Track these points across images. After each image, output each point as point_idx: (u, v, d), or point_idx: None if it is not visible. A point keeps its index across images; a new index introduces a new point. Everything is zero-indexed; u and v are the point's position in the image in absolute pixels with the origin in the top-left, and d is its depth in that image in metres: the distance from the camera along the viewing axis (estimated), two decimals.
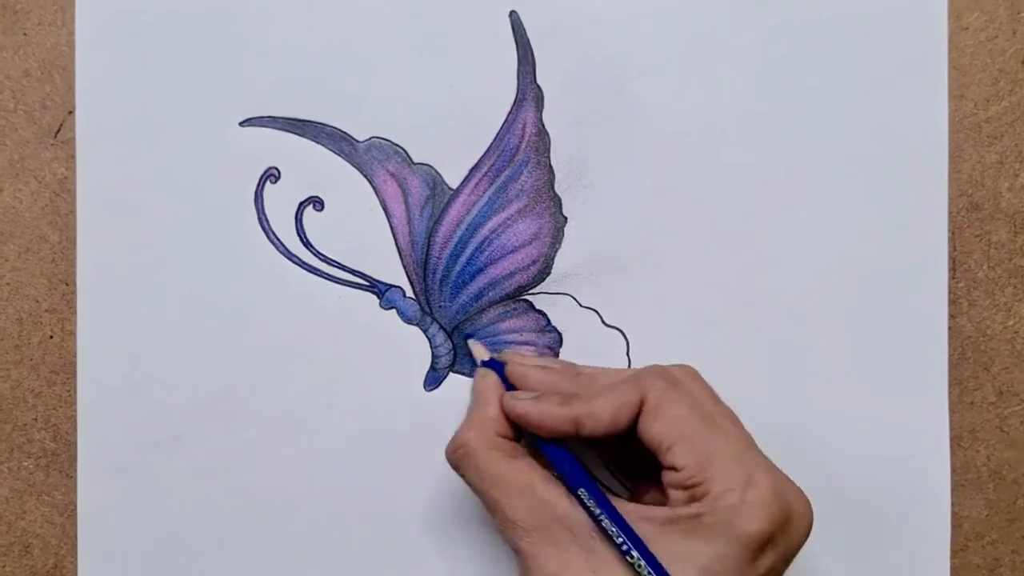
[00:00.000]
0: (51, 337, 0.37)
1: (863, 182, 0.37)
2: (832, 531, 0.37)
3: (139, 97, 0.37)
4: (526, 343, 0.37)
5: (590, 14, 0.37)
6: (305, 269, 0.37)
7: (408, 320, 0.37)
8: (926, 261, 0.37)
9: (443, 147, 0.37)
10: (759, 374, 0.37)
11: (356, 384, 0.37)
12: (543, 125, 0.37)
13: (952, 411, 0.38)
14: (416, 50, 0.37)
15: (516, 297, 0.37)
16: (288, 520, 0.37)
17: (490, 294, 0.37)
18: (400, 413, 0.37)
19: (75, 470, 0.37)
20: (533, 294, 0.37)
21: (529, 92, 0.37)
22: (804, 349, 0.37)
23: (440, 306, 0.37)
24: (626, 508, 0.30)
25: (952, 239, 0.38)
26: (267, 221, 0.37)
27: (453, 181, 0.37)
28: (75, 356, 0.37)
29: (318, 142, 0.37)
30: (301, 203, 0.37)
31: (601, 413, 0.30)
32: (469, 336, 0.37)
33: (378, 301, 0.37)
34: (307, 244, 0.37)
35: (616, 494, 0.34)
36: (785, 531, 0.29)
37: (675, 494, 0.30)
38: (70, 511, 0.37)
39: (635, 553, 0.28)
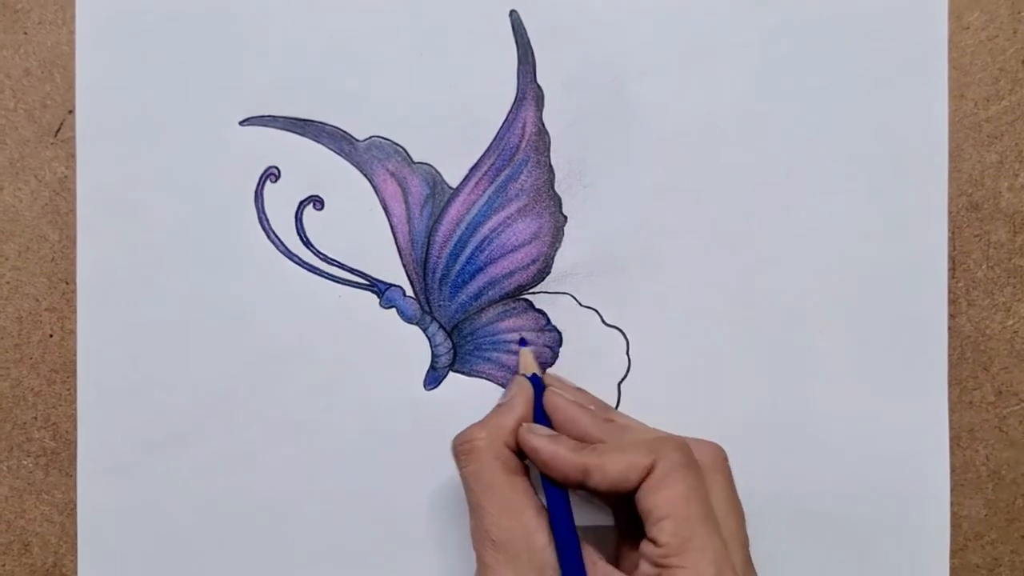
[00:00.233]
0: (51, 336, 0.37)
1: (863, 182, 0.37)
2: (832, 531, 0.37)
3: (139, 97, 0.37)
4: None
5: (590, 14, 0.37)
6: (305, 269, 0.37)
7: (408, 319, 0.37)
8: (926, 261, 0.37)
9: (443, 147, 0.37)
10: (759, 374, 0.37)
11: (356, 384, 0.37)
12: (543, 125, 0.37)
13: (952, 411, 0.38)
14: (416, 50, 0.37)
15: (516, 296, 0.37)
16: (288, 520, 0.37)
17: (490, 293, 0.37)
18: (400, 413, 0.37)
19: (75, 469, 0.37)
20: (533, 293, 0.37)
21: (529, 92, 0.37)
22: (804, 349, 0.37)
23: (440, 305, 0.37)
24: (596, 566, 0.30)
25: (952, 239, 0.38)
26: (267, 221, 0.37)
27: (453, 180, 0.37)
28: (75, 355, 0.37)
29: (318, 141, 0.37)
30: (301, 202, 0.37)
31: (610, 469, 0.30)
32: (469, 335, 0.37)
33: (378, 300, 0.37)
34: (307, 244, 0.37)
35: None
36: None
37: (645, 567, 0.29)
38: (70, 510, 0.37)
39: None
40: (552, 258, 0.37)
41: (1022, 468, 0.38)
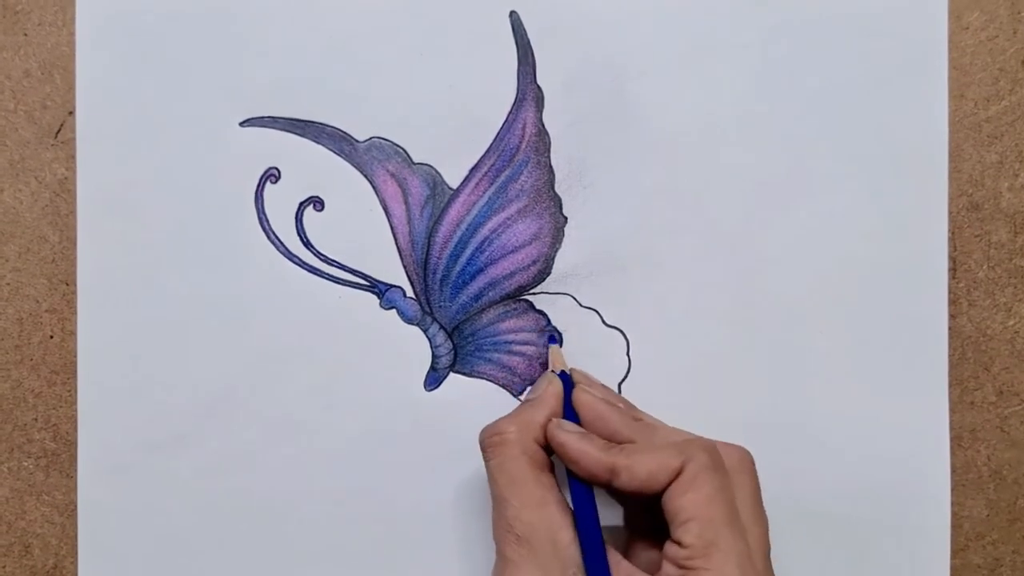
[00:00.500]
0: (51, 337, 0.37)
1: (863, 182, 0.37)
2: (832, 531, 0.37)
3: (139, 97, 0.37)
4: (526, 343, 0.37)
5: (590, 14, 0.37)
6: (305, 269, 0.37)
7: (408, 320, 0.37)
8: (926, 261, 0.37)
9: (443, 147, 0.37)
10: (759, 374, 0.37)
11: (356, 384, 0.37)
12: (543, 125, 0.37)
13: (952, 411, 0.38)
14: (416, 50, 0.37)
15: (516, 297, 0.37)
16: (288, 520, 0.37)
17: (490, 294, 0.37)
18: (400, 413, 0.37)
19: (75, 470, 0.37)
20: (533, 294, 0.37)
21: (529, 92, 0.37)
22: (804, 349, 0.37)
23: (440, 306, 0.37)
24: (619, 566, 0.30)
25: (952, 239, 0.38)
26: (267, 221, 0.37)
27: (453, 181, 0.37)
28: (75, 356, 0.37)
29: (318, 142, 0.37)
30: (301, 203, 0.37)
31: (639, 469, 0.30)
32: (469, 336, 0.37)
33: (378, 301, 0.37)
34: (307, 244, 0.37)
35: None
36: None
37: (669, 568, 0.29)
38: (70, 511, 0.37)
39: None
40: (552, 259, 0.37)
41: (1023, 468, 0.38)
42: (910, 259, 0.37)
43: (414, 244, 0.37)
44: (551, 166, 0.37)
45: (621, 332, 0.37)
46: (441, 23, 0.37)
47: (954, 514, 0.38)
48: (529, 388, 0.37)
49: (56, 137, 0.37)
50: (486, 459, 0.32)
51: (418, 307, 0.37)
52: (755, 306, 0.37)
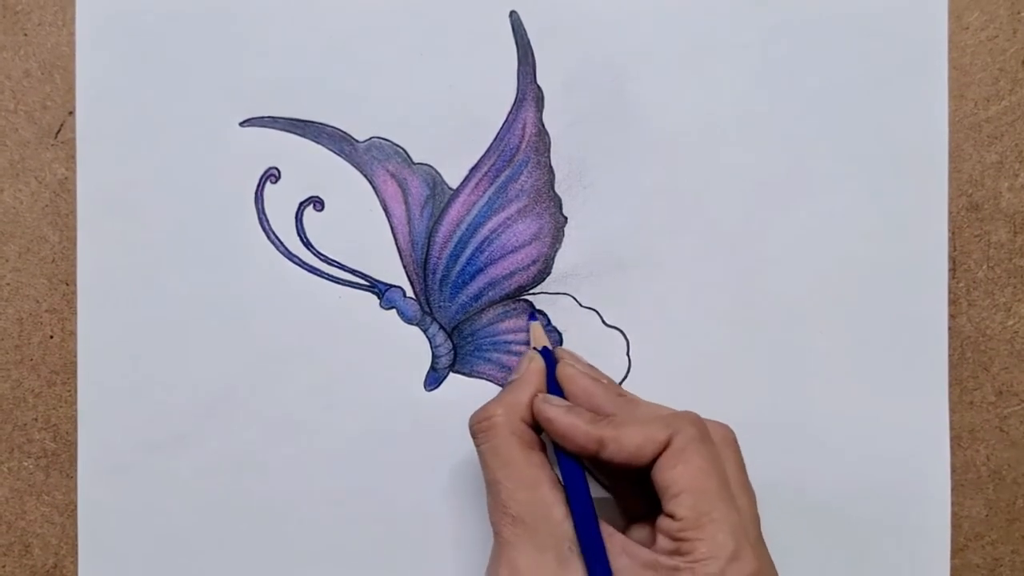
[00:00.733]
0: (51, 337, 0.37)
1: (863, 182, 0.37)
2: (832, 531, 0.37)
3: (139, 97, 0.37)
4: (526, 343, 0.37)
5: (590, 14, 0.37)
6: (305, 269, 0.37)
7: (408, 320, 0.37)
8: (926, 261, 0.37)
9: (443, 147, 0.37)
10: (759, 374, 0.37)
11: (356, 384, 0.37)
12: (543, 125, 0.37)
13: (952, 411, 0.38)
14: (416, 50, 0.37)
15: (516, 297, 0.37)
16: (288, 520, 0.37)
17: (490, 294, 0.37)
18: (400, 413, 0.37)
19: (75, 470, 0.37)
20: (533, 294, 0.37)
21: (529, 92, 0.37)
22: (804, 349, 0.37)
23: (440, 306, 0.37)
24: (613, 538, 0.30)
25: (952, 239, 0.38)
26: (267, 221, 0.37)
27: (453, 181, 0.37)
28: (75, 356, 0.37)
29: (318, 142, 0.37)
30: (301, 203, 0.37)
31: (627, 441, 0.30)
32: (469, 336, 0.37)
33: (378, 301, 0.37)
34: (307, 244, 0.37)
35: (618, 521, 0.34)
36: None
37: (663, 541, 0.29)
38: (70, 511, 0.37)
39: None
40: (552, 259, 0.37)
41: (1023, 468, 0.38)
42: (910, 259, 0.37)
43: (414, 244, 0.37)
44: (551, 166, 0.37)
45: (621, 332, 0.37)
46: (441, 23, 0.37)
47: (954, 514, 0.38)
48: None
49: (56, 137, 0.37)
50: (477, 444, 0.32)
51: (418, 307, 0.37)
52: (755, 306, 0.37)
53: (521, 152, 0.37)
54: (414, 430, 0.37)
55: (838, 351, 0.37)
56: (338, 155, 0.37)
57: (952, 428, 0.38)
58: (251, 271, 0.37)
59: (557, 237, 0.37)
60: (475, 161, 0.37)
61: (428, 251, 0.37)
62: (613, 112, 0.37)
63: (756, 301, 0.37)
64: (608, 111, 0.37)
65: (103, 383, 0.37)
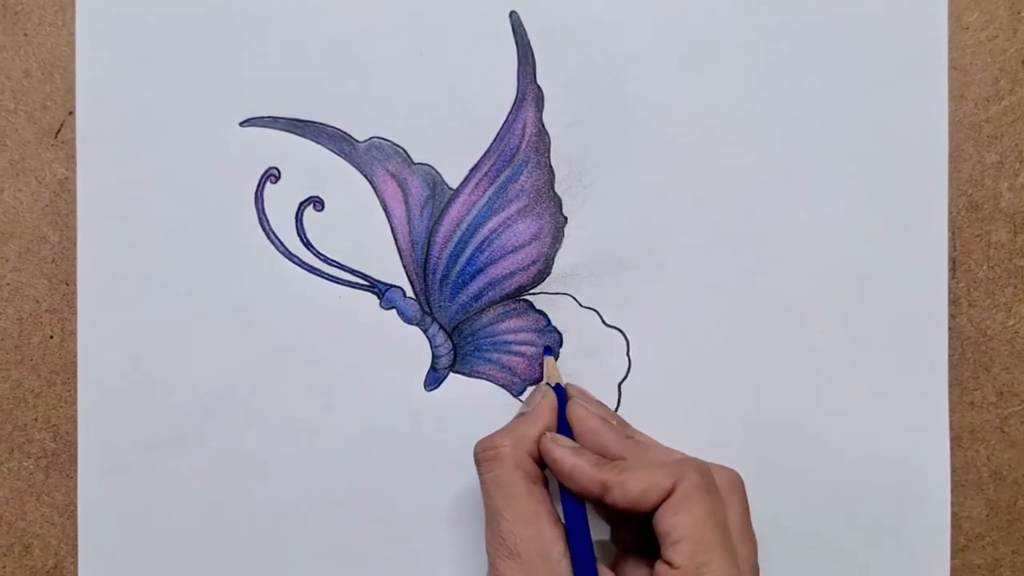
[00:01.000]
0: (51, 337, 0.37)
1: (863, 182, 0.37)
2: (832, 531, 0.37)
3: (139, 97, 0.37)
4: (526, 343, 0.37)
5: (590, 14, 0.37)
6: (305, 269, 0.37)
7: (408, 320, 0.37)
8: (926, 261, 0.37)
9: (443, 147, 0.37)
10: (759, 374, 0.37)
11: (356, 384, 0.37)
12: (543, 125, 0.37)
13: (952, 411, 0.38)
14: (416, 50, 0.37)
15: (516, 297, 0.37)
16: (288, 520, 0.37)
17: (490, 294, 0.37)
18: (400, 413, 0.37)
19: (75, 470, 0.37)
20: (533, 294, 0.37)
21: (529, 92, 0.37)
22: (804, 349, 0.37)
23: (440, 306, 0.37)
24: None
25: (952, 239, 0.38)
26: (267, 221, 0.37)
27: (453, 181, 0.37)
28: (75, 356, 0.37)
29: (318, 142, 0.37)
30: (301, 203, 0.37)
31: (631, 487, 0.30)
32: (469, 336, 0.37)
33: (378, 301, 0.37)
34: (307, 244, 0.37)
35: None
36: None
37: None
38: (70, 511, 0.37)
39: None
40: (552, 259, 0.37)
41: (1023, 469, 0.38)
42: (910, 259, 0.37)
43: (414, 244, 0.37)
44: (551, 166, 0.37)
45: (621, 332, 0.37)
46: (441, 23, 0.37)
47: (954, 514, 0.38)
48: (528, 390, 0.37)
49: (56, 137, 0.37)
50: (480, 473, 0.32)
51: (418, 307, 0.37)
52: (755, 306, 0.37)
53: (521, 152, 0.37)
54: (414, 430, 0.37)
55: (838, 351, 0.37)
56: (338, 155, 0.37)
57: (952, 428, 0.38)
58: (251, 271, 0.37)
59: (557, 237, 0.37)
60: (475, 161, 0.37)
61: (428, 251, 0.37)
62: (613, 112, 0.37)
63: (756, 301, 0.37)
64: (608, 111, 0.37)
65: (103, 383, 0.37)
